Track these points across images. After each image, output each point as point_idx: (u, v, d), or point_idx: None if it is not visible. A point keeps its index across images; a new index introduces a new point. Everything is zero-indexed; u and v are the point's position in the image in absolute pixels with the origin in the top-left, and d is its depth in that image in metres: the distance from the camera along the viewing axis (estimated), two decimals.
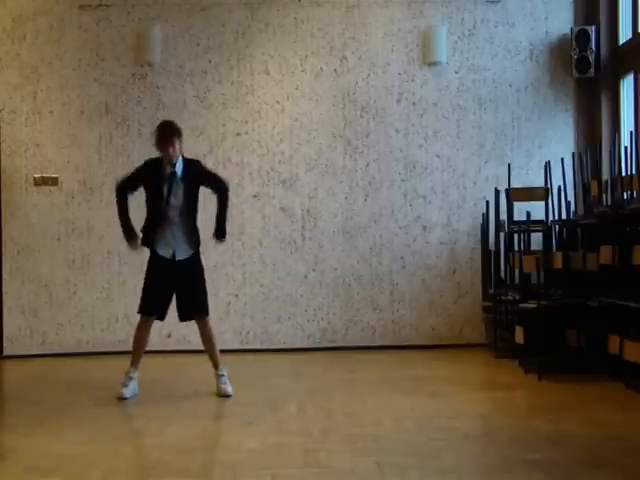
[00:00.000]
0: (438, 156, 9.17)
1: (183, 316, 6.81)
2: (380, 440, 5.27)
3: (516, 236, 8.36)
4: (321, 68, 9.17)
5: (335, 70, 9.17)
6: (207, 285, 6.84)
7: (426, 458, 4.88)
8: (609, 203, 7.68)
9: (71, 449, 5.16)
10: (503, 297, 8.32)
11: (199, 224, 6.79)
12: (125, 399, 6.57)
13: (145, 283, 6.78)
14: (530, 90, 9.21)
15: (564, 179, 8.40)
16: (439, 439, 5.24)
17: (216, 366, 6.81)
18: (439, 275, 9.15)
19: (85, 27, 9.09)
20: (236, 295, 9.10)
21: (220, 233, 6.83)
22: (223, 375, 6.77)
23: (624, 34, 8.84)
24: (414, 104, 9.17)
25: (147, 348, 6.86)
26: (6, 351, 9.00)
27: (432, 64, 9.15)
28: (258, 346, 9.06)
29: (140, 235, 6.77)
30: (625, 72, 8.76)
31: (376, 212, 9.14)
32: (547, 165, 8.38)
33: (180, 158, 6.71)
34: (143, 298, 6.78)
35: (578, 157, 8.45)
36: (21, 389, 7.37)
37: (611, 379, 6.87)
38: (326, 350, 8.96)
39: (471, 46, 9.20)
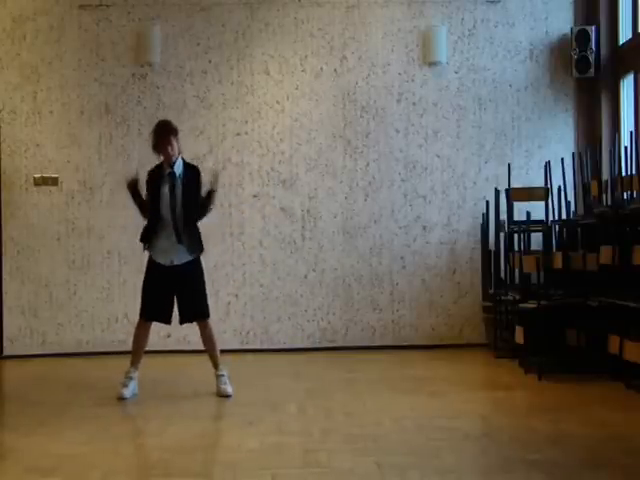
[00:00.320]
0: (438, 156, 9.17)
1: (184, 319, 6.82)
2: (380, 440, 5.26)
3: (516, 236, 8.35)
4: (321, 68, 9.17)
5: (335, 70, 9.17)
6: (207, 285, 6.83)
7: (426, 458, 4.87)
8: (609, 203, 7.68)
9: (71, 449, 5.16)
10: (503, 297, 8.32)
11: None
12: (125, 399, 6.57)
13: (143, 288, 6.77)
14: (530, 90, 9.21)
15: (564, 179, 8.40)
16: (439, 439, 5.24)
17: (216, 366, 6.80)
18: (439, 275, 9.15)
19: (85, 27, 9.09)
20: (236, 295, 9.10)
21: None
22: (223, 375, 6.77)
23: (624, 34, 8.84)
24: (414, 104, 9.17)
25: (147, 348, 6.86)
26: (6, 351, 9.00)
27: (432, 64, 9.15)
28: (258, 346, 9.06)
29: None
30: (625, 72, 8.76)
31: (376, 212, 9.13)
32: (547, 165, 8.37)
33: (180, 159, 6.71)
34: (143, 303, 6.77)
35: (578, 157, 8.45)
36: (21, 389, 7.36)
37: (611, 379, 6.87)
38: (326, 350, 8.96)
39: (471, 46, 9.20)
